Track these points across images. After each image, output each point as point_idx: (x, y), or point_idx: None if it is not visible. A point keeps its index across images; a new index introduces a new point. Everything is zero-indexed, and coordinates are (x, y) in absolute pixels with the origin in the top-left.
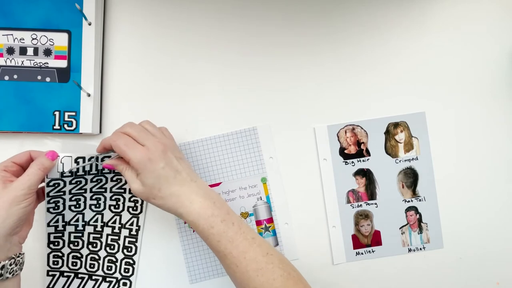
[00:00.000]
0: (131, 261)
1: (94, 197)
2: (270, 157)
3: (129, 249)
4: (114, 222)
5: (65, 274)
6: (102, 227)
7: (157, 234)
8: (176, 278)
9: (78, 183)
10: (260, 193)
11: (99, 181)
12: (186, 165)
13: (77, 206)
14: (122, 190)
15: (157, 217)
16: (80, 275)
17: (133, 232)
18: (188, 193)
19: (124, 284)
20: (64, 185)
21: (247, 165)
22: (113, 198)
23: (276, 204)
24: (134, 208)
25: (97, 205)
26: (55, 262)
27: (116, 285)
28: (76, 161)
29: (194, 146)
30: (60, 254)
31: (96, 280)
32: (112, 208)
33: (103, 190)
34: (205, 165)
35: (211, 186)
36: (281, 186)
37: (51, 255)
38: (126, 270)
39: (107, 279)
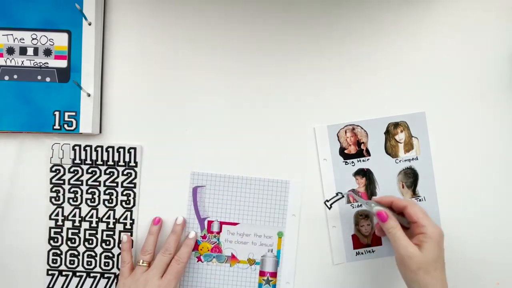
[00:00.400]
0: None
1: (89, 191)
2: (293, 214)
3: None
4: (109, 217)
5: (64, 273)
6: (97, 222)
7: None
8: None
9: (76, 172)
10: (272, 246)
11: (93, 173)
12: None
13: (75, 199)
14: (115, 184)
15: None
16: (78, 274)
17: (128, 226)
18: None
19: None
20: (64, 173)
21: (269, 215)
22: (106, 192)
23: (284, 262)
24: (127, 202)
25: (92, 200)
26: (54, 261)
27: (115, 281)
28: (337, 194)
29: (220, 180)
30: (59, 252)
31: (95, 278)
32: (106, 203)
33: (97, 183)
34: (228, 202)
35: (228, 223)
36: (295, 245)
37: (50, 253)
38: None
39: (105, 275)
